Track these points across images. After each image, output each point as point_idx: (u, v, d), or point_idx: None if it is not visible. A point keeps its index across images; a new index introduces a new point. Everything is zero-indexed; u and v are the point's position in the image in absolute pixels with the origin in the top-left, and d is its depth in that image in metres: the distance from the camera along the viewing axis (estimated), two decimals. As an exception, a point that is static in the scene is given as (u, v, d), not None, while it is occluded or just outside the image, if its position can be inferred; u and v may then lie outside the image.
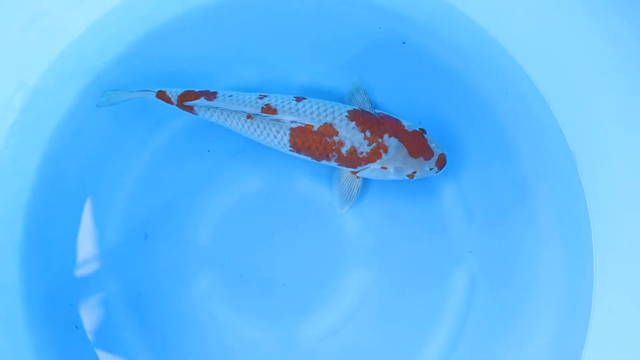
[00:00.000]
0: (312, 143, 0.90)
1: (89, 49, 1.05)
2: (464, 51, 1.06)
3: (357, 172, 0.93)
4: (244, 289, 0.99)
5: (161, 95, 0.94)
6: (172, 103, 0.93)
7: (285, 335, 0.97)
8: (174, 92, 0.93)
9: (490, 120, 1.04)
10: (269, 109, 0.90)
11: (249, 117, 0.90)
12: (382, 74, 1.04)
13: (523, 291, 0.96)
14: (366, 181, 0.97)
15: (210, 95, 0.92)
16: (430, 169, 0.92)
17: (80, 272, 1.03)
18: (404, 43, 1.05)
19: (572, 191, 1.00)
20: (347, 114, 0.90)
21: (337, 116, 0.90)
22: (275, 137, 0.91)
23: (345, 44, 1.03)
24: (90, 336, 1.02)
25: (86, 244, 1.03)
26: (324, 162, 0.92)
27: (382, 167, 0.91)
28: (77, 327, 1.01)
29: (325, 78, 1.01)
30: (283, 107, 0.90)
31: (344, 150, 0.90)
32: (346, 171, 0.94)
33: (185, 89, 0.93)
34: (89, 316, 1.02)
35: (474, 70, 1.05)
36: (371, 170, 0.92)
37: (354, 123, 0.90)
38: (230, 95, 0.91)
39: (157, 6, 1.05)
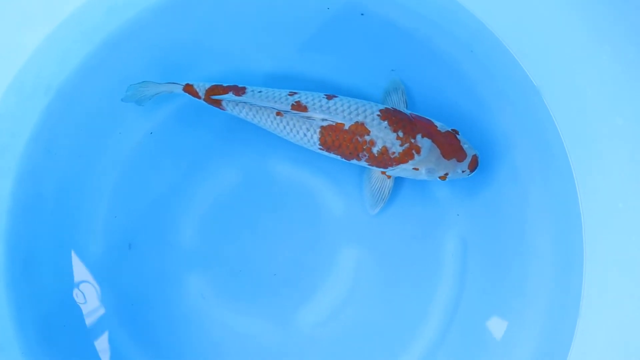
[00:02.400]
0: (343, 142, 0.88)
1: (46, 65, 1.02)
2: (425, 15, 1.04)
3: (387, 172, 0.91)
4: (236, 285, 0.97)
5: (188, 88, 0.92)
6: (199, 97, 0.91)
7: (284, 326, 0.96)
8: (201, 86, 0.91)
9: (459, 81, 1.02)
10: (299, 106, 0.88)
11: (278, 114, 0.88)
12: (343, 48, 1.02)
13: (514, 244, 0.96)
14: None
15: (239, 91, 0.90)
16: (463, 171, 0.90)
17: (69, 290, 1.00)
18: (362, 14, 1.03)
19: (553, 147, 0.99)
20: (379, 113, 0.88)
21: (368, 115, 0.88)
22: (305, 135, 0.89)
23: (304, 23, 1.02)
24: (86, 352, 0.99)
25: (71, 261, 1.01)
26: (354, 161, 0.90)
27: (414, 168, 0.89)
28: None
29: (290, 62, 1.00)
30: (314, 104, 0.88)
31: (375, 150, 0.88)
32: (376, 171, 0.92)
33: (214, 83, 0.91)
34: (83, 333, 1.00)
35: (437, 34, 1.03)
36: (402, 170, 0.90)
37: (386, 122, 0.88)
38: (260, 91, 0.90)
39: (108, 13, 1.03)
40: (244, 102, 0.89)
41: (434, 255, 0.96)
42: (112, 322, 1.00)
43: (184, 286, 0.99)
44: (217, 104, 0.91)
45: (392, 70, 0.96)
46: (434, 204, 0.97)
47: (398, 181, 0.95)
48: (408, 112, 0.90)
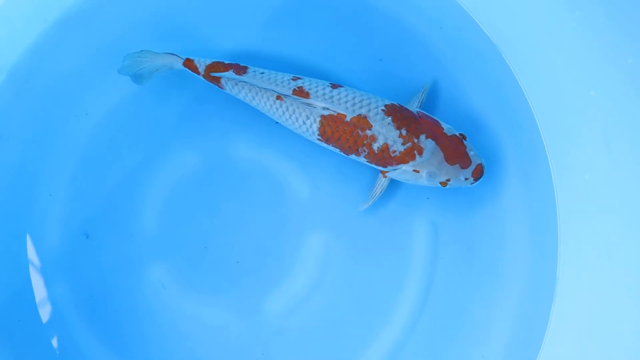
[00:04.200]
0: (343, 134, 0.84)
1: (-5, 44, 0.97)
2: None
3: (387, 171, 0.87)
4: (198, 274, 0.95)
5: (188, 63, 0.88)
6: (198, 73, 0.88)
7: (250, 316, 0.94)
8: (202, 62, 0.88)
9: (428, 56, 0.97)
10: (301, 92, 0.85)
11: (278, 97, 0.85)
12: (310, 24, 0.98)
13: (486, 226, 0.93)
14: (302, 138, 0.91)
15: (240, 70, 0.86)
16: (466, 179, 0.85)
17: (23, 282, 0.96)
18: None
19: (525, 123, 0.95)
20: (383, 107, 0.84)
21: (372, 109, 0.84)
22: (304, 123, 0.85)
23: (269, 2, 0.98)
24: (43, 347, 0.95)
25: (26, 252, 0.96)
26: (353, 156, 0.86)
27: (414, 170, 0.85)
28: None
29: (252, 41, 0.96)
30: (317, 91, 0.84)
31: (375, 146, 0.84)
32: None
33: (215, 60, 0.87)
34: (39, 327, 0.96)
35: (406, 10, 0.98)
36: (402, 172, 0.85)
37: (390, 118, 0.83)
38: (262, 73, 0.86)
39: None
40: (244, 82, 0.85)
41: (404, 240, 0.93)
42: (70, 315, 0.96)
43: (144, 276, 0.96)
44: (216, 81, 0.87)
45: (380, 59, 0.93)
46: (402, 188, 0.94)
47: (361, 164, 0.90)
48: (416, 110, 0.86)
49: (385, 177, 0.88)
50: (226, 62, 0.87)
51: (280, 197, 0.94)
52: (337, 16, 0.97)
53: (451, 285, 0.93)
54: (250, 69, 0.87)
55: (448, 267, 0.93)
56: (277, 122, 0.91)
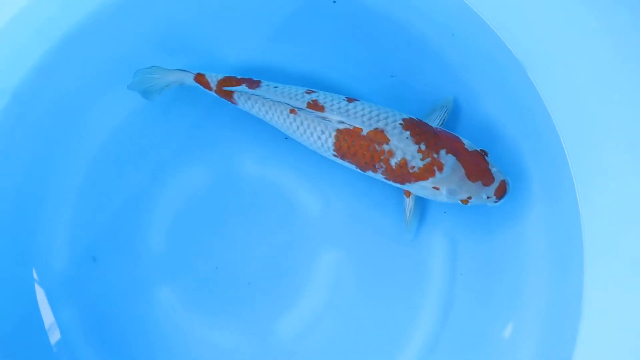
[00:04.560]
0: (359, 149, 0.81)
1: (-3, 66, 0.96)
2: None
3: (405, 189, 0.84)
4: (208, 296, 0.92)
5: (200, 79, 0.86)
6: (210, 89, 0.86)
7: (262, 338, 0.91)
8: (213, 77, 0.86)
9: (442, 65, 0.94)
10: (315, 106, 0.82)
11: (292, 111, 0.82)
12: (318, 36, 0.96)
13: (507, 241, 0.90)
14: (312, 153, 0.88)
15: (253, 84, 0.84)
16: (488, 197, 0.82)
17: (31, 307, 0.93)
18: (334, 2, 0.96)
19: (545, 132, 0.91)
20: (401, 121, 0.81)
21: (390, 122, 0.81)
22: (319, 137, 0.82)
23: (273, 14, 0.95)
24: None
25: (33, 277, 0.94)
26: (370, 173, 0.83)
27: (433, 187, 0.81)
28: None
29: (260, 54, 0.94)
30: (332, 105, 0.82)
31: (393, 161, 0.81)
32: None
33: (227, 74, 0.86)
34: (48, 353, 0.93)
35: (413, 17, 0.95)
36: (420, 188, 0.82)
37: (408, 133, 0.81)
38: (276, 87, 0.84)
39: (63, 8, 0.96)
40: (258, 96, 0.83)
41: (421, 256, 0.90)
42: (78, 340, 0.94)
43: (154, 299, 0.93)
44: (229, 96, 0.85)
45: (392, 76, 0.91)
46: (417, 202, 0.90)
47: (375, 179, 0.87)
48: (432, 124, 0.84)
49: (408, 196, 0.86)
50: (238, 76, 0.86)
51: (291, 214, 0.91)
52: (347, 27, 0.95)
53: (471, 305, 0.90)
54: (264, 83, 0.85)
55: (468, 286, 0.90)
56: (286, 137, 0.89)
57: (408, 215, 0.87)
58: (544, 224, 0.89)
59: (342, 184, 0.91)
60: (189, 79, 0.86)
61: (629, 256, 0.83)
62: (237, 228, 0.91)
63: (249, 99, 0.84)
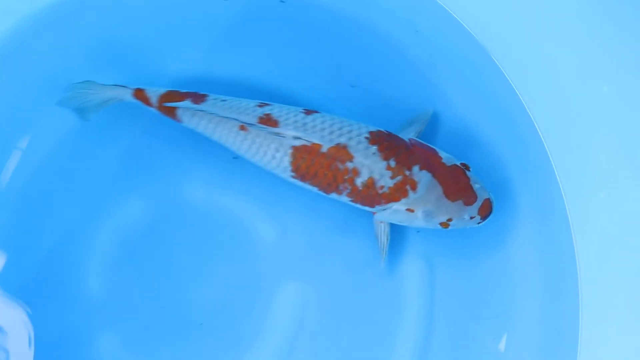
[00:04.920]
0: (320, 168, 0.74)
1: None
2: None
3: (375, 212, 0.77)
4: (156, 340, 0.84)
5: (139, 94, 0.80)
6: (151, 105, 0.80)
7: (218, 386, 0.83)
8: (154, 92, 0.80)
9: (409, 67, 0.87)
10: (268, 120, 0.75)
11: (242, 127, 0.76)
12: (267, 42, 0.88)
13: (489, 259, 0.84)
14: (267, 175, 0.81)
15: (199, 98, 0.78)
16: (471, 218, 0.75)
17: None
18: (282, 1, 0.88)
19: (527, 134, 0.85)
20: (367, 135, 0.75)
21: (354, 137, 0.74)
22: (274, 156, 0.76)
23: (215, 20, 0.89)
24: None
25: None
26: (334, 195, 0.77)
27: (407, 209, 0.75)
28: None
29: (204, 64, 0.88)
30: (287, 119, 0.75)
31: (359, 181, 0.74)
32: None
33: (169, 89, 0.80)
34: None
35: (372, 13, 0.88)
36: (393, 212, 0.76)
37: (375, 147, 0.74)
38: (224, 100, 0.78)
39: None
40: (203, 111, 0.77)
41: (394, 284, 0.84)
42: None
43: (95, 348, 0.83)
44: (172, 113, 0.79)
45: (353, 86, 0.86)
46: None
47: (341, 202, 0.79)
48: (408, 138, 0.78)
49: (382, 222, 0.79)
50: (182, 90, 0.80)
51: (245, 244, 0.84)
52: (300, 30, 0.89)
53: (453, 333, 0.83)
54: (210, 97, 0.79)
55: (449, 314, 0.83)
56: (236, 157, 0.82)
57: (384, 242, 0.80)
58: (533, 240, 0.83)
59: (301, 208, 0.85)
60: (128, 95, 0.80)
61: (626, 269, 0.78)
62: (184, 263, 0.84)
63: (194, 115, 0.78)
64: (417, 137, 0.80)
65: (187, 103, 0.78)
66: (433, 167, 0.74)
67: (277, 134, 0.75)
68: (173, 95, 0.79)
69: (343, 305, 0.83)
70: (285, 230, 0.85)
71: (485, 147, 0.85)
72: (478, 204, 0.75)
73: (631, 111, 0.75)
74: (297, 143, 0.74)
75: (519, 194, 0.84)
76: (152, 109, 0.80)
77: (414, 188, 0.74)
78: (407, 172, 0.74)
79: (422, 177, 0.74)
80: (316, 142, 0.74)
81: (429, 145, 0.78)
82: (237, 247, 0.84)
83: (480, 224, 0.76)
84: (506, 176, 0.84)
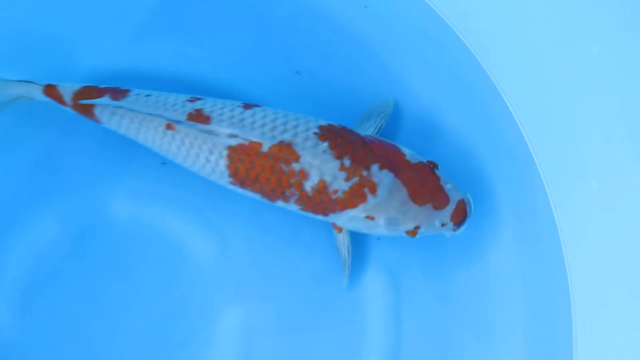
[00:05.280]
0: (261, 172, 0.67)
1: None
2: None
3: (330, 220, 0.71)
4: None
5: (50, 91, 0.73)
6: (65, 104, 0.73)
7: None
8: (68, 88, 0.73)
9: (362, 49, 0.79)
10: (199, 116, 0.68)
11: (169, 126, 0.69)
12: (196, 27, 0.81)
13: (462, 268, 0.77)
14: (202, 181, 0.74)
15: (119, 94, 0.72)
16: (443, 225, 0.69)
17: None
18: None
19: (503, 124, 0.78)
20: (316, 130, 0.68)
21: (300, 132, 0.67)
22: (207, 160, 0.68)
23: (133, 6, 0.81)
24: None
25: None
26: (280, 203, 0.70)
27: (367, 217, 0.68)
28: None
29: (121, 54, 0.80)
30: (221, 114, 0.68)
31: (308, 185, 0.67)
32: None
33: (85, 84, 0.73)
34: None
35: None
36: (350, 219, 0.69)
37: (325, 144, 0.67)
38: (148, 95, 0.71)
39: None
40: (124, 109, 0.70)
41: (353, 301, 0.77)
42: None
43: (8, 393, 0.78)
44: (89, 112, 0.73)
45: (298, 72, 0.79)
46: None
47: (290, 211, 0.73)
48: (364, 133, 0.72)
49: (341, 231, 0.73)
50: (101, 86, 0.74)
51: (180, 263, 0.77)
52: (233, 11, 0.81)
53: (425, 356, 0.76)
54: (133, 92, 0.72)
55: (418, 333, 0.76)
56: (164, 162, 0.75)
57: (345, 255, 0.73)
58: (516, 245, 0.77)
59: (244, 219, 0.78)
60: (37, 92, 0.73)
61: (624, 272, 0.71)
62: (111, 289, 0.77)
63: (114, 113, 0.71)
64: (377, 134, 0.73)
65: (105, 100, 0.71)
66: (395, 165, 0.67)
67: (209, 132, 0.67)
68: (90, 92, 0.72)
69: (296, 330, 0.76)
70: (226, 246, 0.77)
71: (454, 141, 0.78)
72: (451, 207, 0.68)
73: (622, 84, 0.69)
74: (234, 142, 0.67)
75: (497, 192, 0.77)
76: (67, 108, 0.73)
77: (373, 191, 0.66)
78: (365, 173, 0.67)
79: (382, 177, 0.67)
80: (255, 140, 0.66)
81: (389, 141, 0.71)
82: (171, 267, 0.77)
83: (456, 232, 0.70)
84: (481, 172, 0.77)
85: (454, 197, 0.68)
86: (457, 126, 0.78)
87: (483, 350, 0.75)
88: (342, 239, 0.72)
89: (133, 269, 0.77)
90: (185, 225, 0.77)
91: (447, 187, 0.68)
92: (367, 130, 0.73)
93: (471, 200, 0.70)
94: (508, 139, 0.77)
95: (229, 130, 0.66)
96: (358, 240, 0.76)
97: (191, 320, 0.76)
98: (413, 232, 0.68)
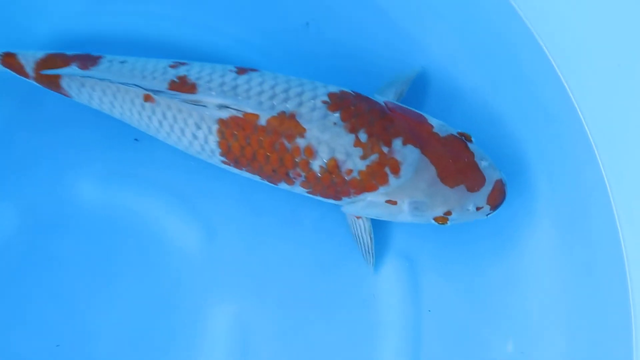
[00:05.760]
0: (259, 149, 0.59)
1: None
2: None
3: (343, 205, 0.63)
4: None
5: (9, 61, 0.66)
6: (26, 75, 0.66)
7: None
8: (29, 57, 0.66)
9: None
10: (183, 85, 0.61)
11: (147, 98, 0.61)
12: None
13: (493, 257, 0.68)
14: (184, 162, 0.69)
15: (89, 61, 0.65)
16: (478, 209, 0.61)
17: None
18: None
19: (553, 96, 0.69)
20: (325, 97, 0.60)
21: (306, 101, 0.59)
22: (195, 135, 0.61)
23: None
24: None
25: None
26: (284, 185, 0.62)
27: (388, 201, 0.60)
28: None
29: (88, 15, 0.73)
30: (210, 81, 0.61)
31: (316, 164, 0.59)
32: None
33: (50, 52, 0.67)
34: None
35: None
36: (368, 205, 0.61)
37: (337, 115, 0.59)
38: (123, 62, 0.64)
39: None
40: (94, 79, 0.63)
41: (365, 292, 0.68)
42: None
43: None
44: (54, 84, 0.65)
45: (307, 24, 0.71)
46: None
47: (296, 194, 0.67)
48: (383, 100, 0.63)
49: (358, 217, 0.65)
50: (68, 53, 0.67)
51: (160, 255, 0.69)
52: None
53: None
54: (105, 59, 0.65)
55: (439, 328, 0.68)
56: (136, 139, 0.69)
57: (368, 243, 0.66)
58: (555, 230, 0.68)
59: (232, 200, 0.70)
60: None
61: None
62: (79, 288, 0.70)
63: (84, 85, 0.64)
64: (398, 100, 0.65)
65: (73, 69, 0.64)
66: (422, 139, 0.59)
67: (195, 103, 0.58)
68: (54, 60, 0.65)
69: (299, 329, 0.69)
70: (213, 233, 0.70)
71: (489, 110, 0.69)
72: (487, 188, 0.60)
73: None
74: (225, 114, 0.59)
75: (536, 172, 0.69)
76: (28, 80, 0.66)
77: (395, 171, 0.58)
78: (385, 149, 0.58)
79: (406, 154, 0.59)
80: (251, 111, 0.59)
81: (413, 110, 0.61)
82: (150, 260, 0.69)
83: (489, 215, 0.61)
84: (519, 148, 0.69)
85: (491, 177, 0.60)
86: (489, 95, 0.70)
87: (512, 348, 0.67)
88: (363, 225, 0.65)
89: (106, 263, 0.69)
90: (166, 211, 0.70)
91: (483, 164, 0.60)
92: (386, 97, 0.65)
93: (507, 180, 0.61)
94: (548, 96, 0.68)
95: (219, 100, 0.59)
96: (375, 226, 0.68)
97: (175, 321, 0.68)
98: (443, 219, 0.61)
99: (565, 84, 0.71)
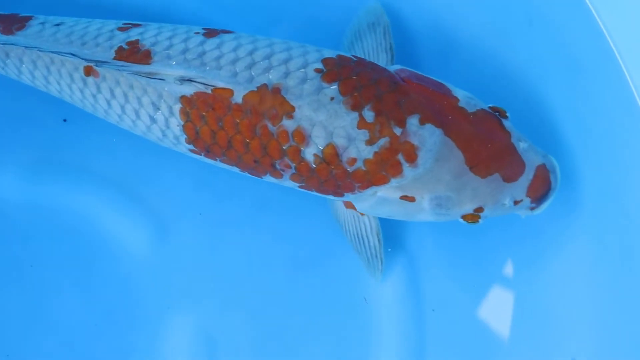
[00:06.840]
0: (235, 134, 0.49)
1: None
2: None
3: (347, 202, 0.53)
4: None
5: None
6: None
7: None
8: None
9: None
10: (133, 52, 0.50)
11: (89, 71, 0.51)
12: None
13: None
14: (136, 144, 0.57)
15: (14, 24, 0.55)
16: (516, 202, 0.51)
17: None
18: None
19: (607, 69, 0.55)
20: (319, 65, 0.49)
21: (294, 70, 0.49)
22: (152, 118, 0.53)
23: None
24: None
25: None
26: (269, 178, 0.52)
27: (403, 197, 0.49)
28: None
29: None
30: (169, 47, 0.50)
31: (309, 152, 0.48)
32: (338, 203, 0.54)
33: None
34: None
35: None
36: (378, 202, 0.51)
37: (334, 88, 0.48)
38: (58, 24, 0.54)
39: None
40: (21, 47, 0.52)
41: (349, 292, 0.60)
42: None
43: None
44: None
45: None
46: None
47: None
48: (392, 67, 0.53)
49: (362, 213, 0.53)
50: None
51: (102, 259, 0.61)
52: None
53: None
54: (36, 21, 0.55)
55: (442, 330, 0.60)
56: (64, 120, 0.60)
57: (376, 244, 0.56)
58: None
59: (186, 191, 0.63)
60: None
61: None
62: (5, 302, 0.61)
63: (9, 55, 0.54)
64: (390, 60, 0.57)
65: None
66: (444, 117, 0.49)
67: (150, 76, 0.47)
68: None
69: (274, 338, 0.61)
70: (165, 231, 0.61)
71: (530, 85, 0.60)
72: (527, 176, 0.51)
73: None
74: (189, 90, 0.49)
75: (582, 157, 0.57)
76: None
77: (411, 159, 0.48)
78: (398, 130, 0.48)
79: (425, 136, 0.48)
80: (222, 85, 0.49)
81: (432, 78, 0.50)
82: (89, 266, 0.61)
83: (534, 211, 0.51)
84: (561, 127, 0.57)
85: (531, 162, 0.52)
86: (527, 64, 0.59)
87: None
88: (368, 224, 0.54)
89: (37, 272, 0.61)
90: (106, 206, 0.61)
91: (522, 146, 0.52)
92: (376, 52, 0.55)
93: (556, 165, 0.50)
94: (609, 84, 0.55)
95: (181, 72, 0.49)
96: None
97: (128, 338, 0.60)
98: (473, 217, 0.51)
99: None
